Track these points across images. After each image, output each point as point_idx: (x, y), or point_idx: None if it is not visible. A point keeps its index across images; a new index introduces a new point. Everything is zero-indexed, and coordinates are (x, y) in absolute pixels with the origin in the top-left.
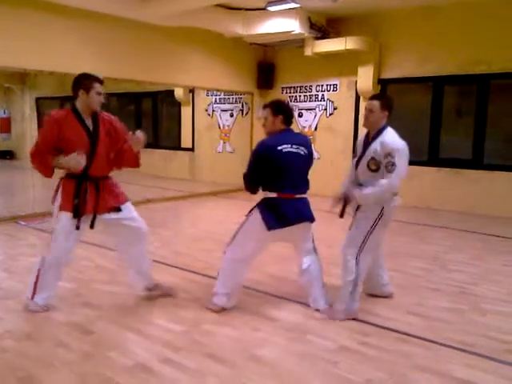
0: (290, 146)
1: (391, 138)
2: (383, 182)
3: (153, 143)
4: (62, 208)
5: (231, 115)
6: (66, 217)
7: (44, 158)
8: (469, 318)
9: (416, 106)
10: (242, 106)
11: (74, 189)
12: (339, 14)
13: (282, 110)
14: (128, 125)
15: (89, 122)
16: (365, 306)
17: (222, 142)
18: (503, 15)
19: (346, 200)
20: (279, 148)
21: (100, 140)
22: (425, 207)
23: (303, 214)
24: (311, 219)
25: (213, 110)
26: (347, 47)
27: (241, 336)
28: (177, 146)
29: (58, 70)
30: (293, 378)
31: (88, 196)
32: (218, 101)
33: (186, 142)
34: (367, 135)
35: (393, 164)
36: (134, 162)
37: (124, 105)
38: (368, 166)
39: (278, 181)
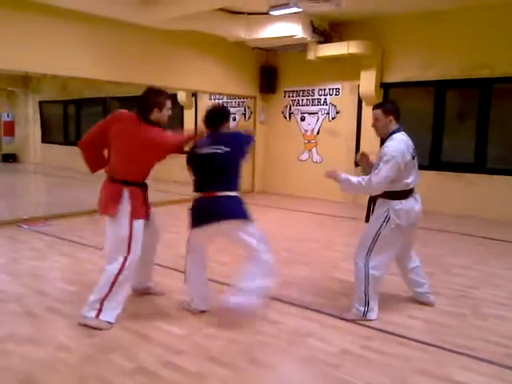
0: (207, 147)
1: (391, 143)
2: (366, 178)
3: None
4: (136, 216)
5: (234, 119)
6: (140, 224)
7: None
8: (469, 322)
9: (418, 111)
10: (245, 110)
11: (142, 195)
12: (342, 19)
13: (207, 117)
14: None
15: None
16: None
17: None
18: (506, 19)
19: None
20: (195, 151)
21: None
22: (426, 210)
23: (220, 213)
24: (232, 217)
25: None
26: (350, 51)
27: (242, 339)
28: None
29: (61, 74)
30: (294, 382)
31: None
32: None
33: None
34: (382, 142)
35: (379, 166)
36: None
37: (127, 108)
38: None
39: (195, 181)
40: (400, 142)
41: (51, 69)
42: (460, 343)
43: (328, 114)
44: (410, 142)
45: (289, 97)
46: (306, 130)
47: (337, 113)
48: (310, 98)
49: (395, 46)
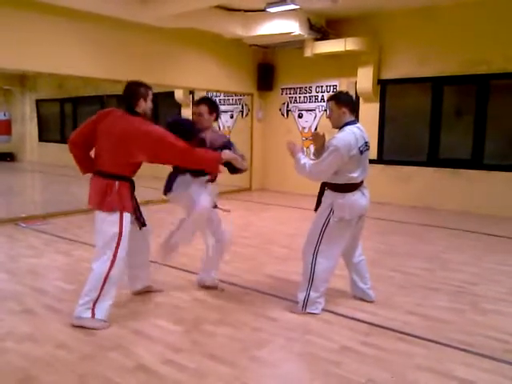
0: None
1: (339, 135)
2: (311, 163)
3: None
4: (126, 209)
5: (231, 116)
6: (128, 218)
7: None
8: (469, 318)
9: (416, 107)
10: (242, 108)
11: (131, 190)
12: (339, 15)
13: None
14: None
15: None
16: (365, 307)
17: None
18: (503, 15)
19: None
20: None
21: None
22: (424, 207)
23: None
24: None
25: None
26: (347, 48)
27: (241, 336)
28: None
29: (58, 72)
30: (294, 379)
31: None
32: (217, 102)
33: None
34: None
35: (324, 156)
36: None
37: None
38: None
39: None
40: (349, 134)
41: (48, 67)
42: (460, 339)
43: (325, 110)
44: (363, 135)
45: (286, 94)
46: (304, 127)
47: None
48: (307, 95)
49: (392, 42)
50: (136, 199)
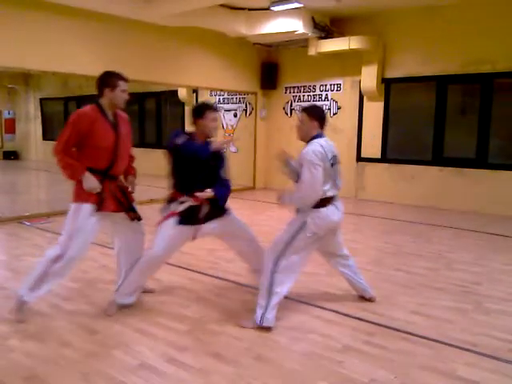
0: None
1: (309, 148)
2: (295, 193)
3: (156, 143)
4: (83, 199)
5: (235, 115)
6: (88, 208)
7: (69, 157)
8: (472, 318)
9: (420, 106)
10: (246, 106)
11: (102, 184)
12: (343, 14)
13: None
14: (132, 125)
15: (111, 119)
16: (368, 306)
17: None
18: (507, 14)
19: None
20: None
21: (121, 136)
22: (429, 206)
23: None
24: None
25: None
26: (351, 47)
27: (245, 335)
28: None
29: (61, 71)
30: (297, 378)
31: (113, 194)
32: (221, 101)
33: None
34: None
35: (302, 174)
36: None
37: (127, 105)
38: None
39: None
40: (317, 146)
41: (52, 66)
42: (463, 339)
43: (329, 109)
44: (331, 149)
45: (290, 93)
46: None
47: (338, 108)
48: (311, 93)
49: (396, 41)
50: (125, 194)
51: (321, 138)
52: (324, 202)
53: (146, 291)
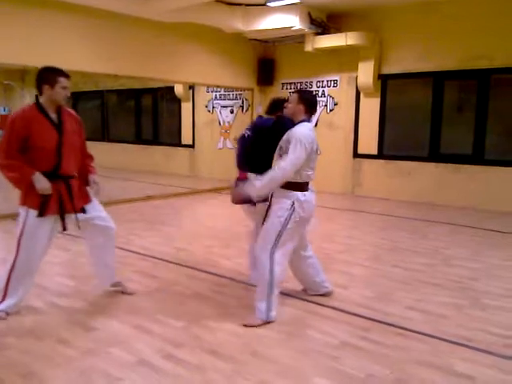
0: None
1: (300, 129)
2: (276, 167)
3: (153, 140)
4: (28, 204)
5: (231, 111)
6: (34, 214)
7: (16, 160)
8: (469, 313)
9: (416, 102)
10: (243, 103)
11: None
12: (339, 10)
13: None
14: (128, 121)
15: (54, 117)
16: (364, 302)
17: (222, 138)
18: (504, 10)
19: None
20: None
21: (66, 134)
22: (425, 202)
23: None
24: None
25: (213, 107)
26: (348, 43)
27: (241, 332)
28: (177, 143)
29: (59, 67)
30: (294, 374)
31: (58, 195)
32: (218, 97)
33: (186, 138)
34: None
35: (289, 150)
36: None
37: (124, 101)
38: (277, 153)
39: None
40: (308, 130)
41: (48, 62)
42: (460, 334)
43: (326, 105)
44: (314, 136)
45: (287, 89)
46: None
47: (335, 104)
48: (308, 89)
49: (393, 36)
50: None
51: (307, 122)
52: (307, 185)
53: (125, 292)
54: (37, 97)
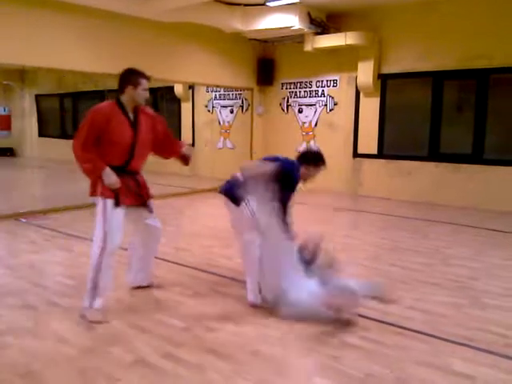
0: None
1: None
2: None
3: None
4: (105, 195)
5: (231, 111)
6: (111, 203)
7: (91, 154)
8: (468, 313)
9: (416, 101)
10: (242, 102)
11: (121, 180)
12: (339, 10)
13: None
14: None
15: (131, 116)
16: (364, 301)
17: (222, 138)
18: (504, 9)
19: None
20: None
21: (141, 133)
22: (425, 202)
23: None
24: None
25: (213, 106)
26: (347, 42)
27: (241, 331)
28: None
29: (57, 67)
30: (294, 373)
31: (127, 189)
32: (217, 97)
33: (186, 138)
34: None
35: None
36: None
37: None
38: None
39: None
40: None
41: (47, 62)
42: (459, 333)
43: (326, 105)
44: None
45: (286, 89)
46: (304, 122)
47: (335, 104)
48: (307, 89)
49: (393, 36)
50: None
51: None
52: None
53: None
54: (118, 95)
